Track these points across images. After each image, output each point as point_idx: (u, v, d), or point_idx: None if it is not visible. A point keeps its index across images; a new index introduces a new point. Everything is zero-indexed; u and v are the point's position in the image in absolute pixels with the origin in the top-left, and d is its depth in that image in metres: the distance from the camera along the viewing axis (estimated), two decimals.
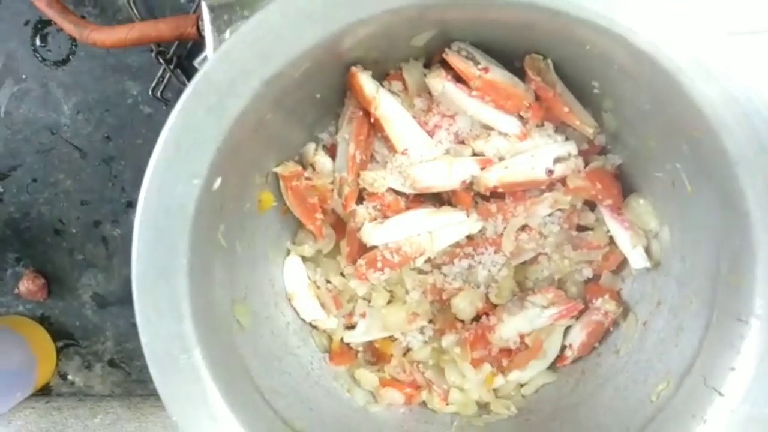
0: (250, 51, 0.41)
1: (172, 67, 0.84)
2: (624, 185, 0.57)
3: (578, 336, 0.58)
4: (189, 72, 0.86)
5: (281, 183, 0.57)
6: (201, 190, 0.44)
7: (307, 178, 0.57)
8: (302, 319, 0.60)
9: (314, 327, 0.61)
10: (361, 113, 0.55)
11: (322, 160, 0.57)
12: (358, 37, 0.44)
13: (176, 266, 0.44)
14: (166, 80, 0.85)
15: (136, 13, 0.83)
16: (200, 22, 0.72)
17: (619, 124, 0.53)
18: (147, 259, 0.44)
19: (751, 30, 0.51)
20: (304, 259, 0.60)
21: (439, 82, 0.53)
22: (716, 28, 0.39)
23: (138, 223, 0.43)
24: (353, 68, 0.52)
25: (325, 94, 0.54)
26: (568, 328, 0.58)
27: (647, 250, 0.56)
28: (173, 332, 0.44)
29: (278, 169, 0.56)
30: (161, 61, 0.84)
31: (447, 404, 0.59)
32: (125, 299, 0.89)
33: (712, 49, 0.40)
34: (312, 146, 0.57)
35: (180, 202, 0.44)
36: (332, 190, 0.57)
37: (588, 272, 0.58)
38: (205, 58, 0.78)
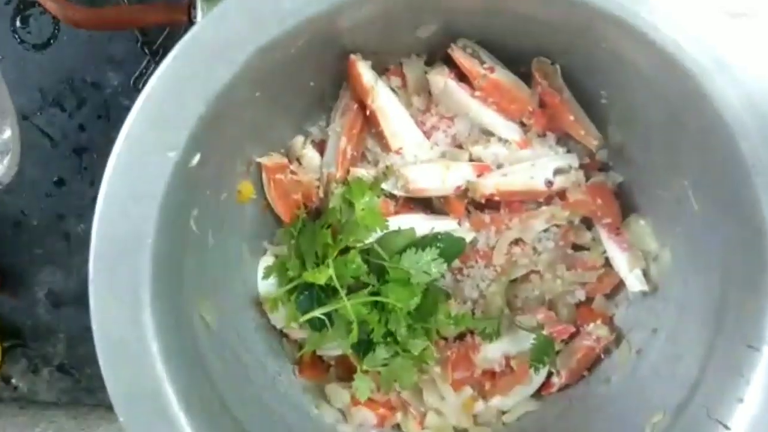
0: (245, 16, 0.38)
1: (157, 59, 0.81)
2: (624, 205, 0.54)
3: (567, 362, 0.55)
4: None
5: (264, 175, 0.53)
6: (176, 165, 0.40)
7: (293, 172, 0.53)
8: (273, 326, 0.56)
9: (285, 335, 0.56)
10: (355, 106, 0.52)
11: (310, 155, 0.54)
12: (358, 16, 0.42)
13: (140, 247, 0.40)
14: (149, 72, 0.82)
15: None
16: (192, 10, 0.70)
17: (625, 137, 0.51)
18: (108, 235, 0.39)
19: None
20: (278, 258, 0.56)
21: (441, 79, 0.50)
22: (741, 29, 0.37)
23: (102, 194, 0.39)
24: (352, 56, 0.49)
25: (320, 82, 0.51)
26: (556, 353, 0.55)
27: (645, 274, 0.53)
28: (130, 319, 0.40)
29: (262, 160, 0.52)
30: (146, 51, 0.81)
31: (423, 428, 0.55)
32: (82, 300, 0.82)
33: (737, 52, 0.38)
34: (300, 139, 0.54)
35: (151, 176, 0.40)
36: (318, 187, 0.54)
37: (581, 294, 0.55)
38: None
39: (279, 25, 0.39)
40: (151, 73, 0.83)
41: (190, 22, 0.70)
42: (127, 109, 0.85)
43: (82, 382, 0.84)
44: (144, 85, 0.84)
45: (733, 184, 0.40)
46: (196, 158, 0.41)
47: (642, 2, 0.38)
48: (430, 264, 0.48)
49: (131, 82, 0.81)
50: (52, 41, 0.81)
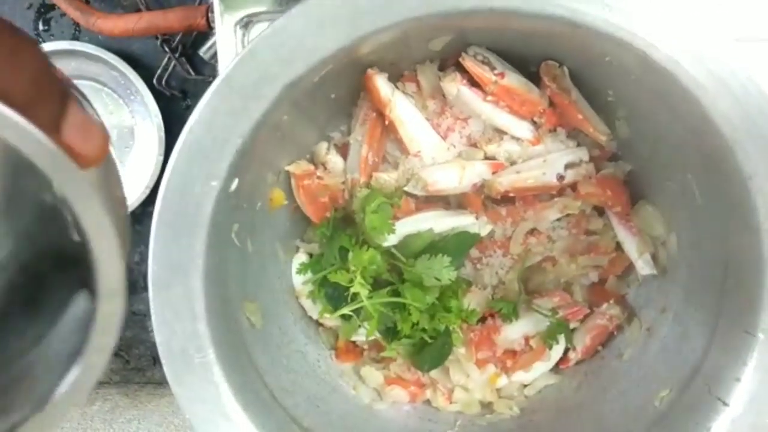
0: (273, 55, 0.41)
1: (177, 55, 0.83)
2: (633, 192, 0.57)
3: (582, 339, 0.59)
4: (194, 61, 0.85)
5: (293, 181, 0.57)
6: (218, 191, 0.44)
7: (319, 177, 0.57)
8: (309, 317, 0.61)
9: (321, 324, 0.61)
10: (374, 115, 0.55)
11: (334, 159, 0.57)
12: (378, 43, 0.44)
13: (192, 266, 0.44)
14: (170, 69, 0.84)
15: (143, 0, 0.82)
16: (210, 14, 0.72)
17: (632, 132, 0.54)
18: (163, 258, 0.44)
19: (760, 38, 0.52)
20: (312, 256, 0.60)
21: (453, 86, 0.53)
22: (731, 40, 0.40)
23: (155, 222, 0.43)
24: (369, 70, 0.52)
25: (340, 94, 0.54)
26: (572, 331, 0.59)
27: (654, 257, 0.56)
28: (188, 332, 0.45)
29: (290, 168, 0.56)
30: (166, 49, 0.83)
31: (451, 403, 0.60)
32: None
33: (731, 66, 0.41)
34: (324, 145, 0.57)
35: (198, 203, 0.44)
36: (343, 189, 0.57)
37: (594, 276, 0.59)
38: (212, 47, 0.78)
39: (304, 61, 0.42)
40: (173, 70, 0.86)
41: (209, 27, 0.72)
42: None
43: (131, 363, 0.90)
44: (166, 82, 0.87)
45: (731, 186, 0.43)
46: (235, 183, 0.45)
47: (639, 23, 0.40)
48: (441, 271, 0.52)
49: (154, 79, 0.84)
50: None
